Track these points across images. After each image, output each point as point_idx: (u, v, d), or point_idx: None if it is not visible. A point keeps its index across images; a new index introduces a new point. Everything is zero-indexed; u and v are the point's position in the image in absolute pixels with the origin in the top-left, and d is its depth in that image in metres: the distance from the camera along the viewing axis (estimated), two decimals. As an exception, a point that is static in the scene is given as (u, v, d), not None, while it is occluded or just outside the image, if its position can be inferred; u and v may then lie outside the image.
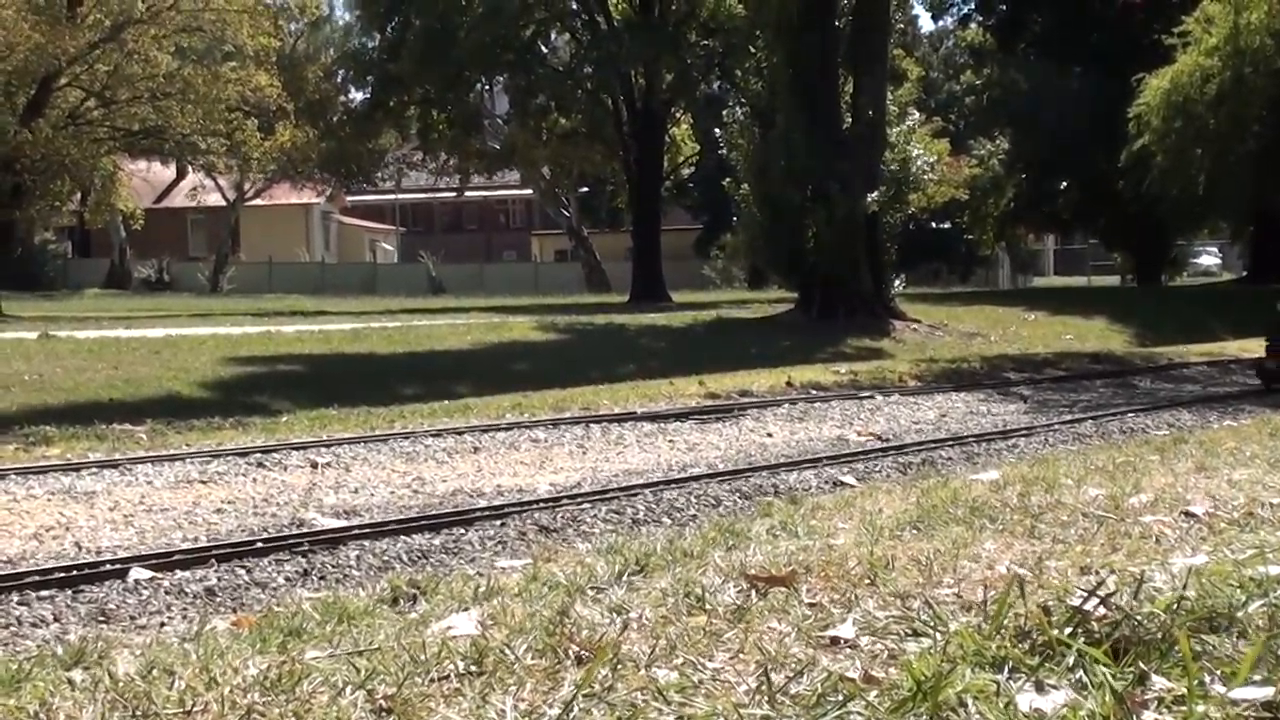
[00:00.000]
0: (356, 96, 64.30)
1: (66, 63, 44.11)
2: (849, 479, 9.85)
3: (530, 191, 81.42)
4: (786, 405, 19.31)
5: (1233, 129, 43.31)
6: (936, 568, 3.91)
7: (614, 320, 37.60)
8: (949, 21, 74.69)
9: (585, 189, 79.28)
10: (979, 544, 4.38)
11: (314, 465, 12.45)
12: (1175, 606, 3.01)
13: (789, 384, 21.76)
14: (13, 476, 11.75)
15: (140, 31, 45.54)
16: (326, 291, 69.51)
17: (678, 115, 61.55)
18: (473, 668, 3.00)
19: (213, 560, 8.22)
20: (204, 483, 11.33)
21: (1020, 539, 4.55)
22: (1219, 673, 2.65)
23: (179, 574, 7.99)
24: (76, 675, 3.33)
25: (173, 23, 47.02)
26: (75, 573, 7.98)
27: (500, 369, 25.16)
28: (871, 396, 19.88)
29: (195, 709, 2.87)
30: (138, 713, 2.89)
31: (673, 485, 11.48)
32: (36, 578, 7.78)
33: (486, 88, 61.01)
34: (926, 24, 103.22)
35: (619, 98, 55.41)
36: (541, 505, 10.31)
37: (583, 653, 3.07)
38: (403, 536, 9.09)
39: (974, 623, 3.07)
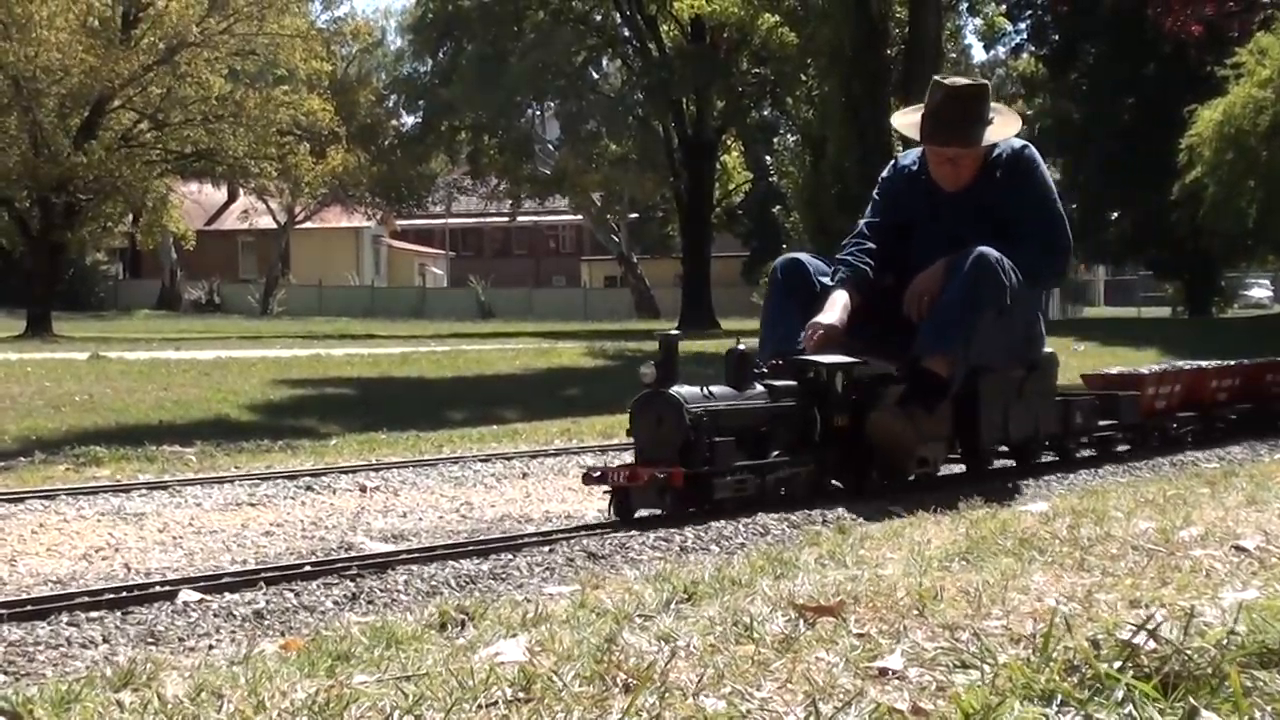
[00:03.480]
0: (408, 121, 64.67)
1: (120, 85, 44.30)
2: (897, 509, 9.80)
3: (580, 217, 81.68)
4: (835, 433, 19.23)
5: (1284, 161, 42.94)
6: (985, 599, 3.90)
7: (663, 347, 37.49)
8: (1001, 51, 74.36)
9: (635, 215, 79.49)
10: (1028, 576, 4.37)
11: (362, 489, 12.43)
12: (1225, 642, 2.99)
13: (837, 412, 21.67)
14: (63, 497, 11.76)
15: (193, 54, 45.73)
16: (376, 315, 69.84)
17: (729, 142, 61.60)
18: (520, 694, 3.00)
19: (261, 583, 8.20)
20: (253, 505, 11.32)
21: (1069, 572, 4.53)
22: (1270, 709, 2.64)
23: (228, 596, 7.97)
24: (125, 697, 3.34)
25: (226, 46, 47.22)
26: (124, 594, 7.98)
27: (549, 394, 25.12)
28: (920, 426, 19.79)
29: (243, 732, 2.88)
30: (186, 735, 2.91)
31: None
32: (86, 598, 7.78)
33: (537, 113, 61.20)
34: (979, 53, 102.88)
35: (670, 124, 55.41)
36: (589, 532, 10.30)
37: (630, 680, 3.07)
38: (451, 561, 9.05)
39: (1023, 655, 3.06)
